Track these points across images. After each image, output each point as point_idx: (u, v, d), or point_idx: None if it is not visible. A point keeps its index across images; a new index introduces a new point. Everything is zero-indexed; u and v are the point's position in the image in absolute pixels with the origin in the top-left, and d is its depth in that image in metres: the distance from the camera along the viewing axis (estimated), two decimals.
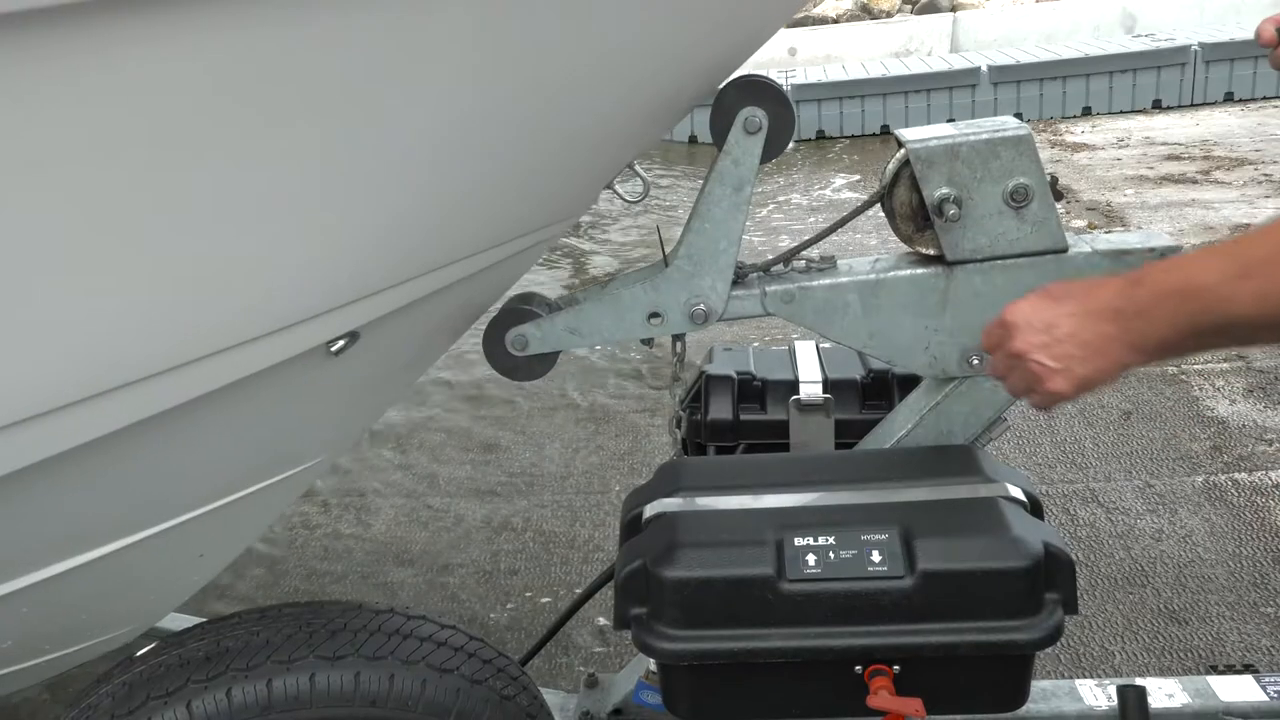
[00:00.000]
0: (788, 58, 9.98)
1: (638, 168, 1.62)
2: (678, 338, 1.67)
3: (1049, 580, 1.33)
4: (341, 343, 1.35)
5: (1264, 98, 8.38)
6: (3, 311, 1.05)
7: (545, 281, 5.69)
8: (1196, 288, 0.98)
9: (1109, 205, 6.36)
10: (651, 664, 1.76)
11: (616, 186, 1.63)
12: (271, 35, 1.00)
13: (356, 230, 1.25)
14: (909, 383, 1.82)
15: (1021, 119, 2.18)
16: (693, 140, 8.34)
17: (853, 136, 8.58)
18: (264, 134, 1.07)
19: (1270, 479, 3.34)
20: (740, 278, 1.61)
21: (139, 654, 1.47)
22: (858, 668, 1.34)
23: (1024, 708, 1.42)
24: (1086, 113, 8.54)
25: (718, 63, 1.48)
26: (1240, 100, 8.43)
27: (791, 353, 1.99)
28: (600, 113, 1.38)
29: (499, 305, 1.68)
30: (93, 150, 0.98)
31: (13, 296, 1.04)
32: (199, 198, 1.08)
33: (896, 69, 8.82)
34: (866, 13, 11.51)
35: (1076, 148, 7.67)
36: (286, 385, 1.39)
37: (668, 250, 1.61)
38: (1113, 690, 1.81)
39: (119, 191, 1.03)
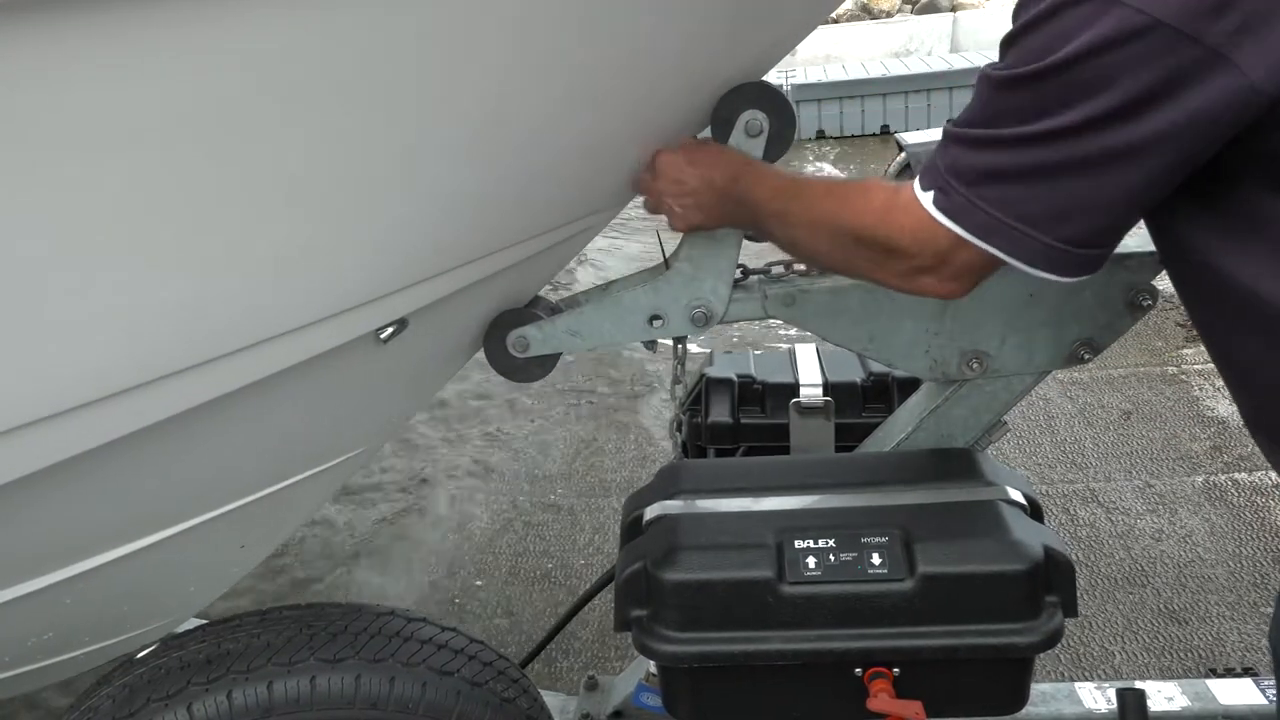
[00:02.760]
0: (788, 57, 9.97)
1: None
2: (679, 340, 1.68)
3: (1048, 583, 1.33)
4: (390, 330, 1.36)
5: None
6: (59, 299, 1.05)
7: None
8: (758, 202, 1.40)
9: None
10: (652, 666, 1.76)
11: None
12: (325, 22, 1.00)
13: (408, 217, 1.25)
14: (909, 386, 1.82)
15: None
16: None
17: (853, 136, 8.58)
18: (319, 121, 1.07)
19: (1270, 479, 3.34)
20: (741, 280, 1.61)
21: (139, 656, 1.47)
22: (858, 670, 1.34)
23: (1023, 710, 1.42)
24: None
25: (760, 54, 1.49)
26: None
27: (792, 356, 1.99)
28: (647, 103, 1.39)
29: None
30: (151, 136, 0.98)
31: (70, 286, 1.05)
32: (257, 185, 1.09)
33: (896, 69, 8.82)
34: (866, 13, 11.51)
35: None
36: (335, 374, 1.39)
37: (668, 253, 1.61)
38: (1112, 693, 1.81)
39: (175, 179, 1.03)
